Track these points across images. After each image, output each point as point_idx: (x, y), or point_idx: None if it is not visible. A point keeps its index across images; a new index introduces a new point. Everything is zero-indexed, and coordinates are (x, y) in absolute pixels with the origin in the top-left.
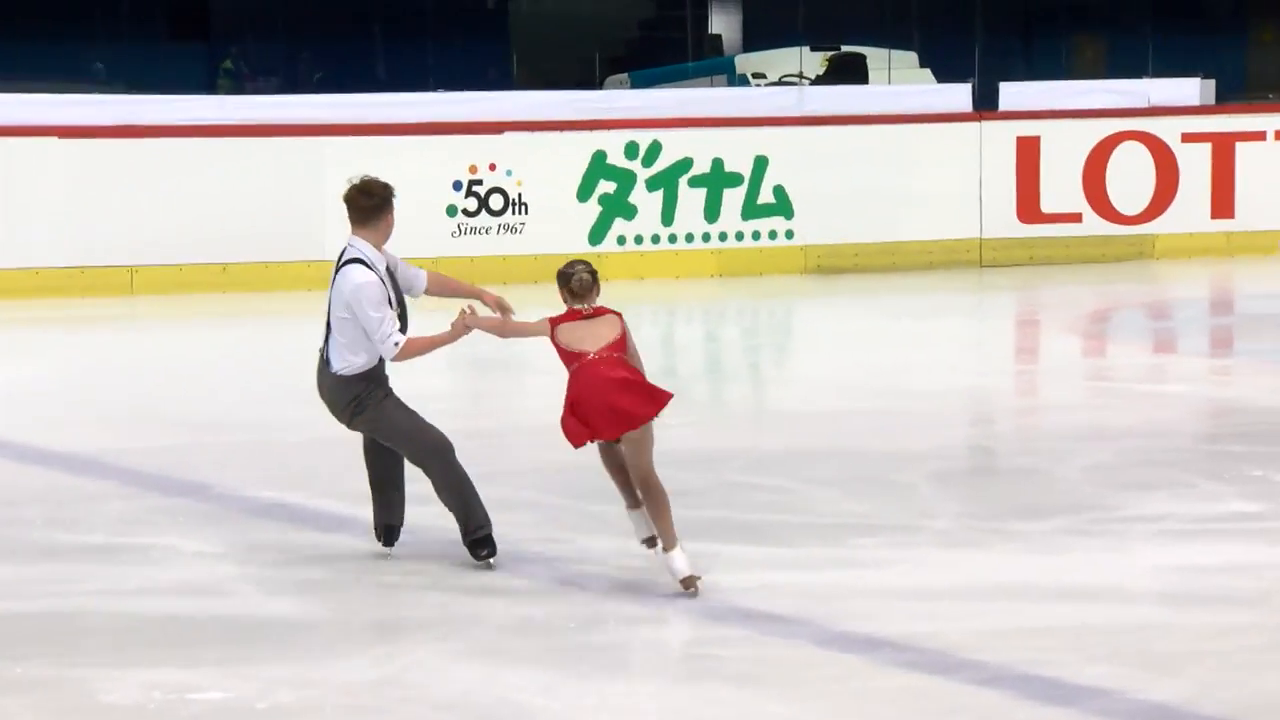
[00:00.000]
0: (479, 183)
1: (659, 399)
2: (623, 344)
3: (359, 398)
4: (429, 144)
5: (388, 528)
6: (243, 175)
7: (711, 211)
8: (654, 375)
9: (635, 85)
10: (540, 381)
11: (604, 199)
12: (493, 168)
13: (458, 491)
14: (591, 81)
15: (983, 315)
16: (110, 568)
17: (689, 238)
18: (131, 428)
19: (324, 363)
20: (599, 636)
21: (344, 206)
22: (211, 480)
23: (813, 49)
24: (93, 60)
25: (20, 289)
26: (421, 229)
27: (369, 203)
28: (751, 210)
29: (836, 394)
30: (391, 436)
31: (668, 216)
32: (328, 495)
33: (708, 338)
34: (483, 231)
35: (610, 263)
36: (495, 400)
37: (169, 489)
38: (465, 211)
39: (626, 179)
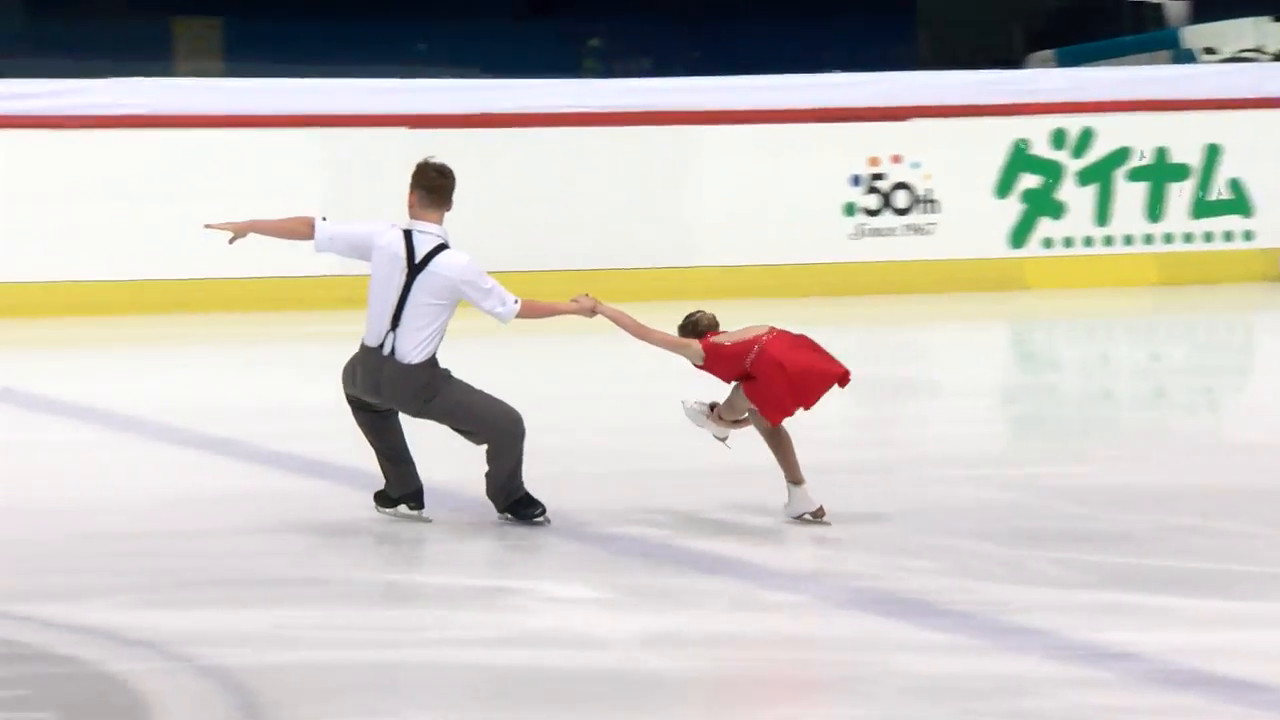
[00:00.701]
0: (881, 177)
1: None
2: None
3: (429, 383)
4: (823, 133)
5: (417, 492)
6: (610, 169)
7: (1154, 209)
8: (1084, 399)
9: (1062, 63)
10: (950, 406)
11: (1027, 195)
12: (897, 160)
13: (515, 464)
14: (1011, 59)
15: None
16: (469, 614)
17: (1127, 240)
18: None
19: (385, 356)
20: (1024, 700)
21: (418, 186)
22: (583, 516)
23: (1275, 18)
24: (416, 40)
25: (360, 299)
26: (814, 231)
27: (448, 184)
28: (1202, 208)
29: None
30: (468, 415)
31: (1102, 215)
32: (704, 533)
33: (1151, 357)
34: (886, 233)
35: (1034, 269)
36: (895, 428)
37: (536, 524)
38: (865, 210)
39: (1053, 172)
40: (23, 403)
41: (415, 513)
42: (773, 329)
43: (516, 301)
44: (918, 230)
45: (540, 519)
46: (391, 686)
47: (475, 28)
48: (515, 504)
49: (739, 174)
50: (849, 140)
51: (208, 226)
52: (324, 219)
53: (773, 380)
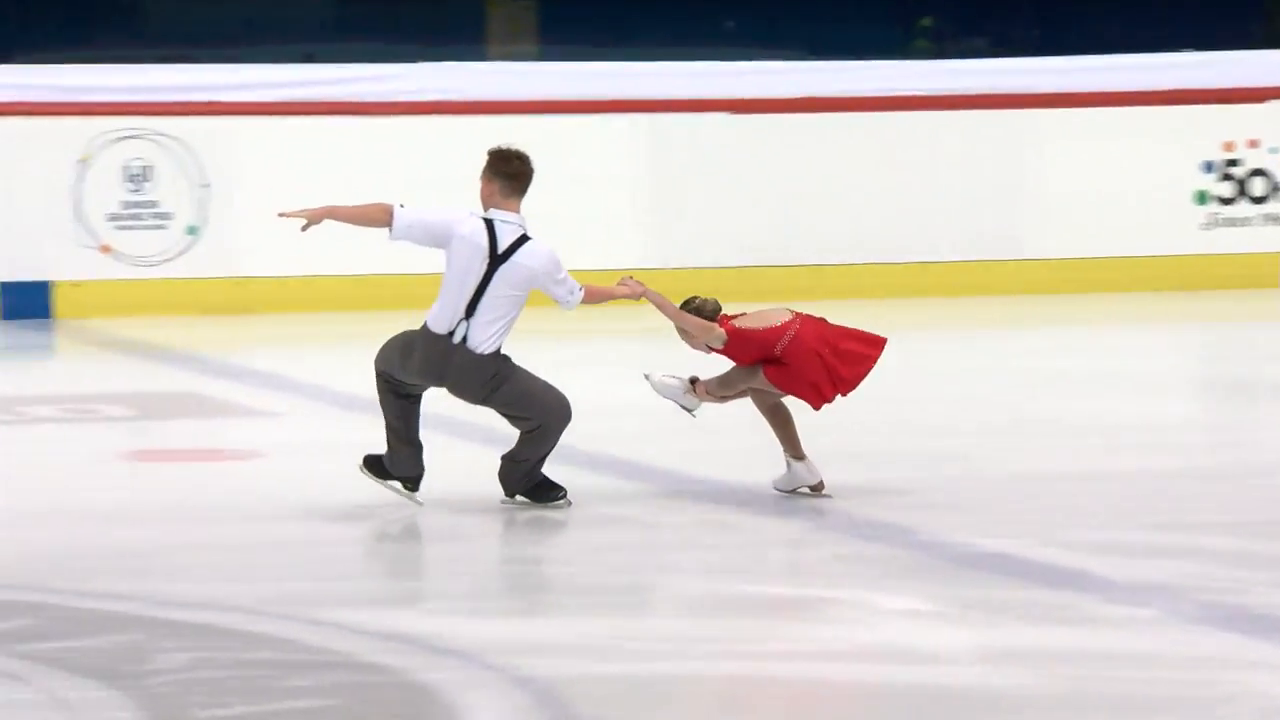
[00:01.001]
0: (1236, 163)
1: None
2: None
3: (498, 373)
4: (1172, 116)
5: (419, 476)
6: (940, 156)
7: None
8: None
9: None
10: None
11: None
12: (1253, 144)
13: (549, 451)
14: None
15: None
16: (789, 625)
17: None
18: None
19: (455, 345)
20: None
21: (499, 174)
22: (914, 522)
23: None
24: (724, 18)
25: (684, 292)
26: (1162, 221)
27: (529, 172)
28: None
29: None
30: (529, 403)
31: None
32: (1037, 542)
33: None
34: (1241, 223)
35: None
36: (1249, 432)
37: (863, 532)
38: (1219, 198)
39: None
40: (337, 402)
41: (409, 494)
42: (797, 314)
43: (581, 289)
44: (1276, 220)
45: (563, 501)
46: (713, 700)
47: (798, 5)
48: (536, 488)
49: (1079, 161)
50: (1201, 124)
51: (281, 215)
52: (401, 206)
53: (808, 366)
